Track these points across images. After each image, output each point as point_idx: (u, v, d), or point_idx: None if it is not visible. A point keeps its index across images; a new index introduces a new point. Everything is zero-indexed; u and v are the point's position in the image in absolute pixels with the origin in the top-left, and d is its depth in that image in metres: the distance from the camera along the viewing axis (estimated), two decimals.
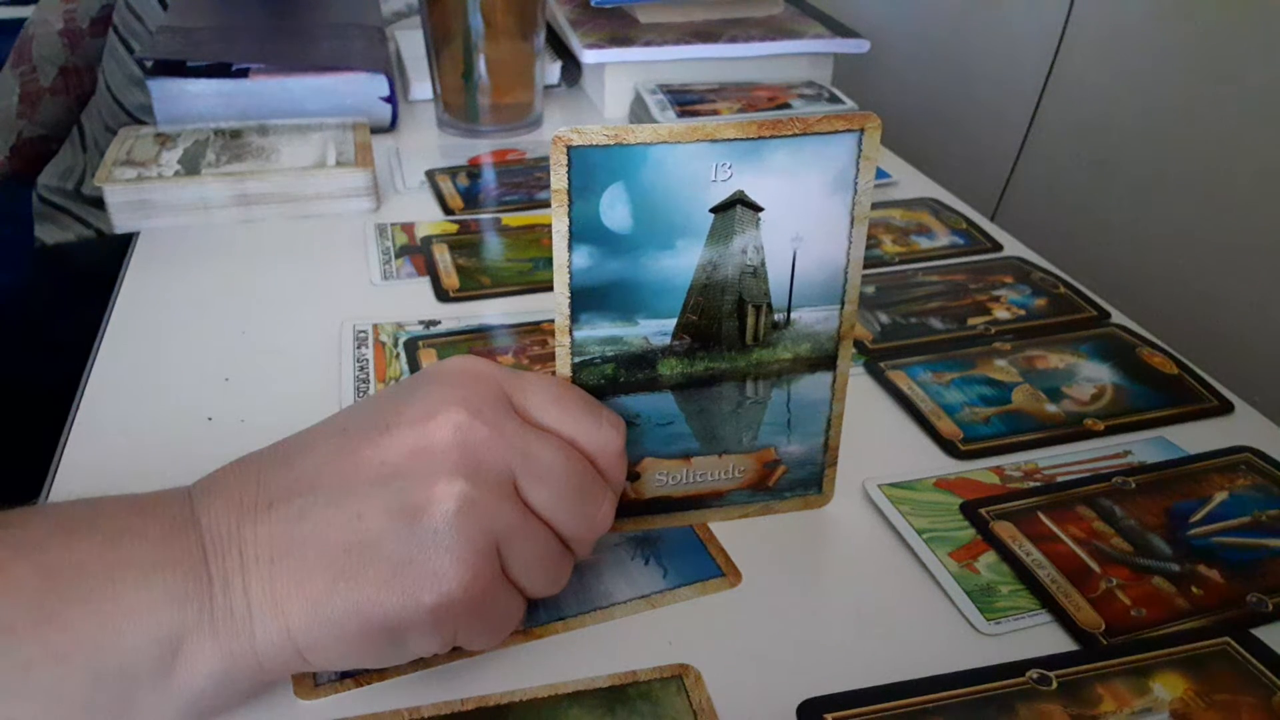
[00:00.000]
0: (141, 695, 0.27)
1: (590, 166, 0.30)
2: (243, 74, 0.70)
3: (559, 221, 0.31)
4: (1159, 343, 0.50)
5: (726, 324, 0.34)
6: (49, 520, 0.28)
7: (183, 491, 0.30)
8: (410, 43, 0.88)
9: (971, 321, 0.52)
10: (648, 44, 0.77)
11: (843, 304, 0.34)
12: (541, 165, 0.70)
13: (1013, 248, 0.60)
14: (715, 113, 0.72)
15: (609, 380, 0.34)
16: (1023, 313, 0.53)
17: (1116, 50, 0.90)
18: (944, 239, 0.61)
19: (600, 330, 0.33)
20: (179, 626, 0.27)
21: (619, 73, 0.78)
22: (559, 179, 0.30)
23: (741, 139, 0.30)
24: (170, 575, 0.27)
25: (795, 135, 0.31)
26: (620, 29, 0.80)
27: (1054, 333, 0.51)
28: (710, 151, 0.31)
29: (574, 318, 0.32)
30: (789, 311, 0.34)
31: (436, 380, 0.30)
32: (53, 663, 0.26)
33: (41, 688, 0.26)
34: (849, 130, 0.31)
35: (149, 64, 0.69)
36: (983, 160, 1.05)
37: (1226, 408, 0.46)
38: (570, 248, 0.31)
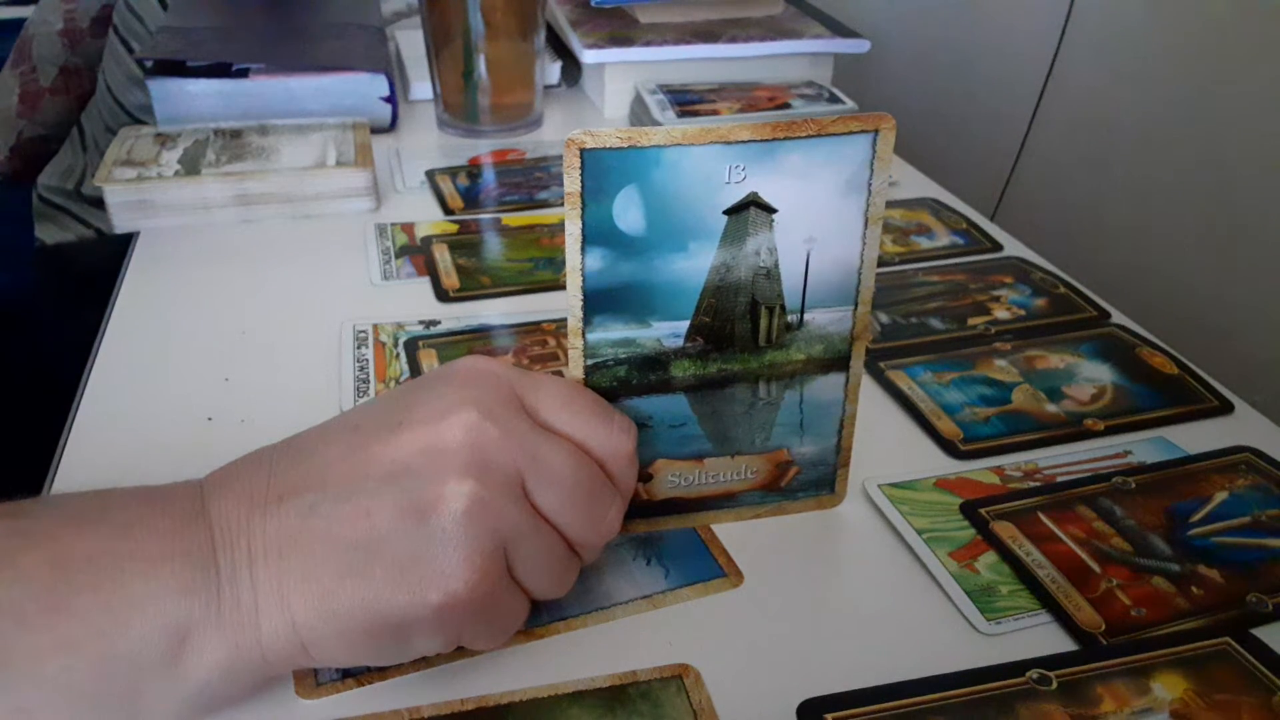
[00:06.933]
0: (148, 684, 0.27)
1: (604, 169, 0.30)
2: (243, 74, 0.70)
3: (572, 224, 0.31)
4: (1159, 343, 0.50)
5: (740, 325, 0.33)
6: (60, 511, 0.29)
7: (194, 484, 0.30)
8: (410, 43, 0.88)
9: (971, 321, 0.52)
10: (648, 44, 0.77)
11: (856, 305, 0.34)
12: (541, 165, 0.70)
13: (1013, 248, 0.60)
14: (715, 113, 0.72)
15: (621, 382, 0.34)
16: (1023, 313, 0.53)
17: (1116, 50, 0.90)
18: (944, 239, 0.61)
19: (613, 333, 0.33)
20: (186, 617, 0.27)
21: (619, 73, 0.78)
22: (572, 181, 0.30)
23: (755, 140, 0.30)
24: (179, 566, 0.27)
25: (809, 137, 0.31)
26: (620, 29, 0.80)
27: (1054, 333, 0.51)
28: (724, 153, 0.30)
29: (587, 320, 0.32)
30: (802, 313, 0.34)
31: (449, 380, 0.30)
32: (62, 651, 0.26)
33: (50, 676, 0.26)
34: (863, 131, 0.31)
35: (149, 64, 0.69)
36: (983, 160, 1.05)
37: (1226, 408, 0.46)
38: (583, 250, 0.31)
